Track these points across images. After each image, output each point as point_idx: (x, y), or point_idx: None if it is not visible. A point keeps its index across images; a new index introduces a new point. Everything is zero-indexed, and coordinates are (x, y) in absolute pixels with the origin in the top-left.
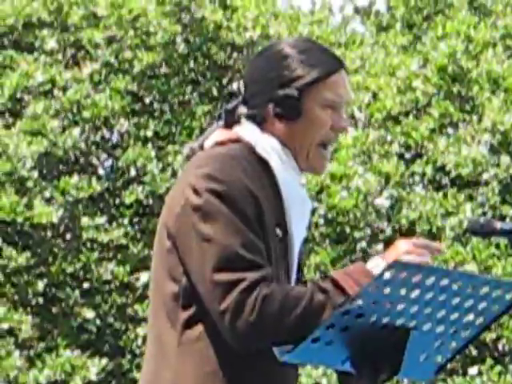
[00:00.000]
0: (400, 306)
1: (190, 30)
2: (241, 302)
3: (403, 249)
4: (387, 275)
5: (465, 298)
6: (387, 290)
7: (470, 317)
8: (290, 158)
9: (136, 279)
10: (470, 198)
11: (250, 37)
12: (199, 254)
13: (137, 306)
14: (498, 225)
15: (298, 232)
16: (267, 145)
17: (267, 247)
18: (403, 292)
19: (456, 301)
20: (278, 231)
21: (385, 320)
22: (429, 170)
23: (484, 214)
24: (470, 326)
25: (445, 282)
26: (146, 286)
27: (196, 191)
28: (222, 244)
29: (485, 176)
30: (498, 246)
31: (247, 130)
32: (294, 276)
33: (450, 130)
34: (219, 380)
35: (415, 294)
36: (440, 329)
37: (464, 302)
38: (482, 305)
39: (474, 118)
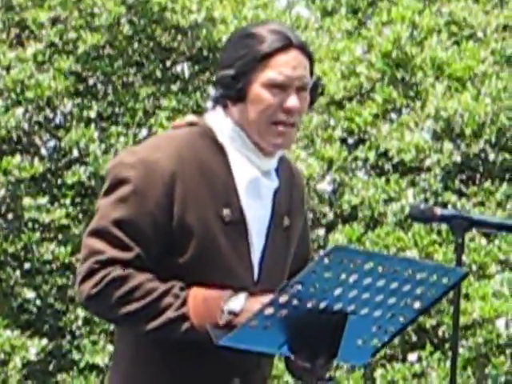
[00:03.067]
0: (338, 291)
1: (134, 11)
2: (91, 271)
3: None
4: (326, 260)
5: (402, 282)
6: (327, 275)
7: (408, 301)
8: (244, 139)
9: (77, 260)
10: (413, 183)
11: (194, 19)
12: (93, 219)
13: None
14: (439, 211)
15: (255, 213)
16: (223, 128)
17: (196, 224)
18: (342, 277)
19: (394, 285)
20: (226, 212)
21: (322, 304)
22: (371, 155)
23: (426, 200)
24: (408, 311)
25: (383, 267)
26: None
27: (112, 166)
28: (104, 213)
29: (427, 162)
30: (439, 233)
31: (211, 114)
32: (257, 258)
33: (393, 116)
34: (147, 362)
35: (353, 278)
36: (377, 313)
37: (402, 287)
38: (420, 289)
39: (418, 104)
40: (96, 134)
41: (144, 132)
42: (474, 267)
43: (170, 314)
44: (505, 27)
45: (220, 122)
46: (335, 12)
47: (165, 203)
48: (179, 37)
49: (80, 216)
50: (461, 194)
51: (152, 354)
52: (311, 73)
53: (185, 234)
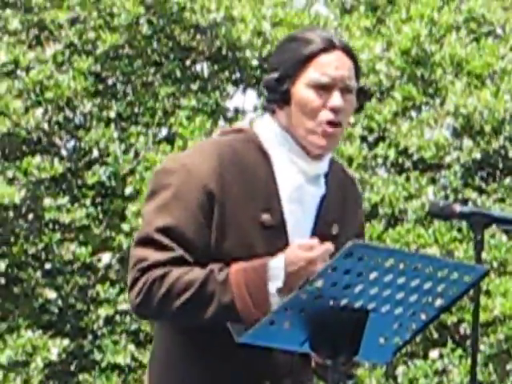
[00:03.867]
0: (359, 288)
1: (153, 11)
2: (135, 280)
3: (301, 265)
4: (346, 257)
5: (424, 280)
6: (347, 272)
7: (429, 299)
8: (290, 143)
9: (98, 260)
10: (433, 181)
11: (213, 18)
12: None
13: (98, 287)
14: (458, 208)
15: (297, 219)
16: (269, 133)
17: (233, 227)
18: (363, 274)
19: (415, 283)
20: (266, 217)
21: (343, 302)
22: (391, 152)
23: (446, 197)
24: (429, 308)
25: (404, 264)
26: (107, 267)
27: (155, 172)
28: (147, 222)
29: (447, 159)
30: (460, 230)
31: (258, 121)
32: None
33: (412, 113)
34: (179, 361)
35: (374, 275)
36: (399, 311)
37: (423, 284)
38: (441, 287)
39: (437, 101)
40: (116, 134)
41: (164, 131)
42: (495, 264)
43: (215, 302)
44: None
45: (266, 127)
46: (354, 10)
47: (205, 204)
48: (198, 36)
49: (100, 216)
50: (481, 191)
51: (185, 353)
52: (357, 77)
53: (221, 236)
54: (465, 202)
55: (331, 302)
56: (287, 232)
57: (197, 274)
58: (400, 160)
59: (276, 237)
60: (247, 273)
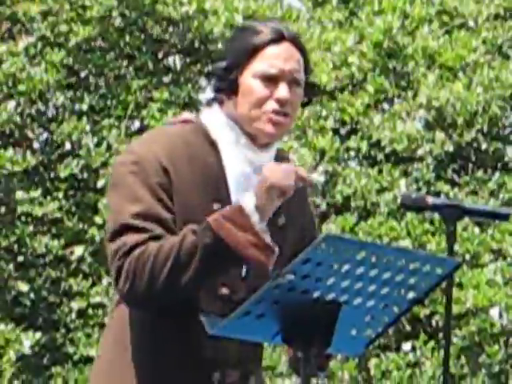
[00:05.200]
0: (331, 280)
1: (125, 3)
2: (119, 268)
3: (266, 175)
4: (318, 249)
5: (396, 272)
6: (319, 264)
7: (401, 291)
8: (237, 132)
9: (70, 253)
10: (405, 173)
11: (185, 11)
12: (108, 225)
13: (71, 280)
14: (430, 200)
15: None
16: (216, 123)
17: (184, 217)
18: (335, 266)
19: (387, 275)
20: (216, 206)
21: (316, 294)
22: (364, 145)
23: (419, 189)
24: (401, 301)
25: (376, 256)
26: (80, 260)
27: (113, 167)
28: (117, 213)
29: (420, 152)
30: (432, 222)
31: (206, 112)
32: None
33: (385, 106)
34: (134, 349)
35: (346, 268)
36: (371, 303)
37: (395, 277)
38: (413, 279)
39: (410, 93)
40: (88, 127)
41: (136, 124)
42: (468, 256)
43: (200, 247)
44: (496, 16)
45: (214, 117)
46: (326, 2)
47: (165, 184)
48: (171, 29)
49: (73, 209)
50: (453, 184)
51: (137, 337)
52: (306, 71)
53: (177, 221)
54: (437, 194)
55: (303, 294)
56: None
57: (175, 237)
58: (372, 152)
59: None
60: (223, 211)
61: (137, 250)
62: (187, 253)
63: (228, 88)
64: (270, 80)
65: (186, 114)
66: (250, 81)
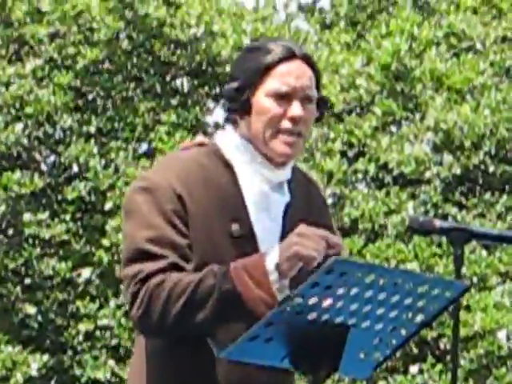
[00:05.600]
0: (339, 304)
1: (133, 26)
2: (135, 294)
3: (294, 241)
4: (327, 273)
5: (404, 295)
6: (328, 288)
7: (409, 314)
8: (252, 152)
9: (78, 275)
10: (413, 196)
11: (193, 33)
12: (123, 251)
13: (78, 303)
14: (438, 223)
15: (265, 226)
16: (231, 144)
17: (203, 241)
18: (343, 289)
19: (395, 298)
20: (235, 227)
21: (324, 317)
22: (371, 167)
23: (426, 212)
24: (409, 324)
25: (384, 279)
26: (87, 283)
27: (127, 195)
28: (132, 239)
29: (427, 174)
30: (440, 245)
31: (220, 134)
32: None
33: (393, 128)
34: (153, 374)
35: (355, 291)
36: (379, 326)
37: (403, 300)
38: (422, 302)
39: (417, 116)
40: (96, 149)
41: (144, 147)
42: (475, 279)
43: (216, 292)
44: (503, 39)
45: (228, 139)
46: (334, 25)
47: (180, 211)
48: (178, 51)
49: (80, 231)
50: (461, 206)
51: (161, 366)
52: (318, 87)
53: (192, 247)
54: (445, 217)
55: (311, 318)
56: (256, 240)
57: (196, 274)
58: (380, 175)
59: (246, 246)
60: (245, 261)
61: (154, 279)
62: (203, 294)
63: (241, 108)
64: (283, 98)
65: (200, 138)
66: (262, 100)
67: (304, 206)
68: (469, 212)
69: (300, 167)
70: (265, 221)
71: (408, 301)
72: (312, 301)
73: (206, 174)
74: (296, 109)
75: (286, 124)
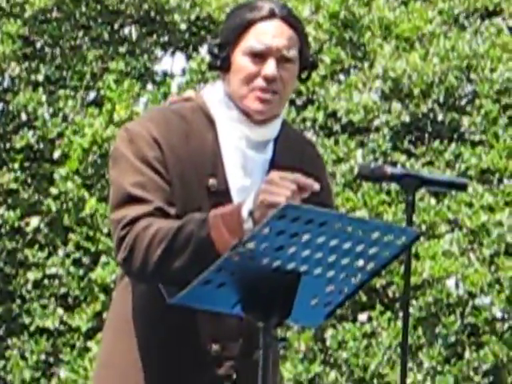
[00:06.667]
0: (291, 250)
1: None
2: (121, 238)
3: (262, 188)
4: (278, 218)
5: (356, 242)
6: (279, 233)
7: (361, 262)
8: (232, 108)
9: (26, 224)
10: (361, 144)
11: None
12: (110, 198)
13: (27, 251)
14: (389, 170)
15: (241, 183)
16: (215, 100)
17: (180, 192)
18: (295, 235)
19: (347, 245)
20: (212, 181)
21: (276, 263)
22: (320, 116)
23: (375, 160)
24: (361, 271)
25: (336, 226)
26: (36, 231)
27: (114, 145)
28: (117, 184)
29: (376, 122)
30: (388, 193)
31: (208, 88)
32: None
33: (341, 77)
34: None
35: (306, 237)
36: (331, 273)
37: (355, 247)
38: (373, 250)
39: (366, 64)
40: (44, 98)
41: (92, 95)
42: (424, 227)
43: (194, 238)
44: None
45: (213, 94)
46: None
47: (160, 157)
48: None
49: (29, 180)
50: (410, 154)
51: (137, 318)
52: (302, 47)
53: (179, 194)
54: (394, 165)
55: (263, 263)
56: (231, 197)
57: (178, 221)
58: (328, 123)
59: (222, 201)
60: (224, 209)
61: (139, 223)
62: (182, 240)
63: (221, 65)
64: (258, 56)
65: (189, 92)
66: (239, 58)
67: (293, 164)
68: (417, 160)
69: (294, 128)
70: (241, 178)
71: (360, 248)
72: (263, 246)
73: (187, 127)
74: (270, 68)
75: (259, 82)
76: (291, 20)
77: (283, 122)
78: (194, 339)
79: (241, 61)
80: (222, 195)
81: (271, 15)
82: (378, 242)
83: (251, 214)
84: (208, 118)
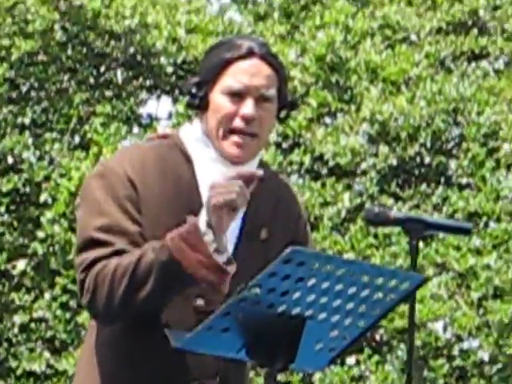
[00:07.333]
0: (296, 295)
1: (68, 17)
2: (81, 281)
3: (209, 195)
4: (284, 263)
5: (361, 287)
6: (285, 278)
7: (366, 306)
8: (209, 147)
9: (12, 267)
10: (349, 187)
11: (128, 25)
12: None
13: (13, 294)
14: (392, 214)
15: None
16: (191, 138)
17: (155, 229)
18: (300, 280)
19: (352, 290)
20: (189, 219)
21: (281, 308)
22: (307, 159)
23: (362, 203)
24: (366, 316)
25: (342, 271)
26: (22, 274)
27: (85, 180)
28: (83, 228)
29: (363, 166)
30: (376, 236)
31: (186, 126)
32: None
33: (328, 120)
34: (101, 359)
35: (312, 282)
36: (336, 318)
37: (360, 292)
38: (378, 295)
39: (353, 107)
40: (30, 141)
41: (79, 138)
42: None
43: (156, 265)
44: (438, 30)
45: (191, 132)
46: (268, 16)
47: (132, 196)
48: (113, 42)
49: (15, 223)
50: (397, 198)
51: (112, 353)
52: (281, 87)
53: (144, 234)
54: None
55: (268, 308)
56: None
57: (136, 252)
58: (315, 166)
59: None
60: (180, 229)
61: (98, 265)
62: (144, 270)
63: (199, 104)
64: (237, 96)
65: (167, 130)
66: (217, 97)
67: (269, 204)
68: (405, 203)
69: (270, 167)
70: None
71: (365, 293)
72: (269, 291)
73: (164, 165)
74: (247, 107)
75: (237, 123)
76: (270, 58)
77: (260, 161)
78: (171, 377)
79: (219, 100)
80: None
81: (249, 54)
82: (382, 286)
83: (209, 224)
84: (185, 155)
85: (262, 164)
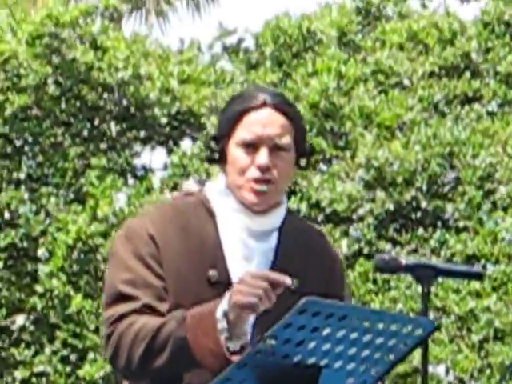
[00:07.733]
0: (312, 344)
1: (60, 71)
2: (108, 336)
3: (235, 288)
4: (299, 314)
5: (376, 335)
6: (300, 328)
7: (381, 354)
8: (231, 200)
9: (12, 322)
10: (346, 233)
11: (121, 77)
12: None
13: (13, 350)
14: (403, 261)
15: (240, 274)
16: (215, 192)
17: (176, 285)
18: (315, 330)
19: (367, 338)
20: (212, 273)
21: (296, 358)
22: (303, 206)
23: (360, 249)
24: (381, 363)
25: (356, 319)
26: (21, 329)
27: (113, 241)
28: (110, 282)
29: (360, 211)
30: (375, 281)
31: (211, 181)
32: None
33: (323, 167)
34: None
35: (327, 331)
36: (351, 366)
37: (375, 339)
38: (393, 341)
39: (348, 153)
40: (26, 196)
41: (74, 192)
42: (412, 314)
43: (172, 340)
44: (431, 74)
45: (214, 187)
46: (260, 65)
47: (155, 253)
48: (106, 95)
49: (13, 278)
50: (395, 242)
51: None
52: (297, 135)
53: (167, 289)
54: (379, 253)
55: (284, 359)
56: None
57: (159, 320)
58: (312, 213)
59: (223, 292)
60: (200, 309)
61: (125, 321)
62: (162, 339)
63: (218, 158)
64: (251, 147)
65: (192, 187)
66: (233, 150)
67: (299, 254)
68: (403, 248)
69: (301, 216)
70: (242, 268)
71: (379, 340)
72: (284, 342)
73: (185, 222)
74: (262, 157)
75: (253, 172)
76: (284, 107)
77: (289, 211)
78: None
79: (235, 152)
80: (223, 287)
81: (262, 104)
82: (396, 333)
83: (225, 314)
84: (208, 211)
85: (291, 213)
